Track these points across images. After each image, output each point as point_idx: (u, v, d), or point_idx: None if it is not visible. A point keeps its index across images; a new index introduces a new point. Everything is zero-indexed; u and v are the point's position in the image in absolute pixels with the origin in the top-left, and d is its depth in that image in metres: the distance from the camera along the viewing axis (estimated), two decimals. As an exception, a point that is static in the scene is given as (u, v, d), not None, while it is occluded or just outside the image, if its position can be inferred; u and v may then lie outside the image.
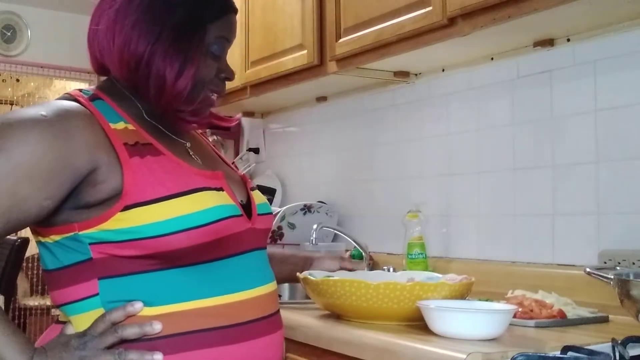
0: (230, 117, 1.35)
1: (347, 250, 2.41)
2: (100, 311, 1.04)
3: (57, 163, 1.00)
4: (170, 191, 1.04)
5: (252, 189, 1.25)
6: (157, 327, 1.01)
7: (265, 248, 1.21)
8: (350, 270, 1.58)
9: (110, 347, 1.01)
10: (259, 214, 1.18)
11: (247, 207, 1.18)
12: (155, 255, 1.03)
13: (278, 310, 1.19)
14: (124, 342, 1.02)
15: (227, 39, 1.16)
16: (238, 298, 1.09)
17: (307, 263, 1.57)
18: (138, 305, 1.02)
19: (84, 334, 1.02)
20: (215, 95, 1.18)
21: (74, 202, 1.04)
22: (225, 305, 1.07)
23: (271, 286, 1.17)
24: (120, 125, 1.09)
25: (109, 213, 1.02)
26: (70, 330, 1.05)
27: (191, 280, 1.05)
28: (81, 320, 1.05)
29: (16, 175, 0.97)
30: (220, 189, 1.11)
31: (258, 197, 1.23)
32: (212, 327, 1.05)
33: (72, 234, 1.04)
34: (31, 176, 0.98)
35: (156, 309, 1.03)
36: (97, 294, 1.04)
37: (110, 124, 1.07)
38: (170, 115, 1.13)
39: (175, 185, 1.05)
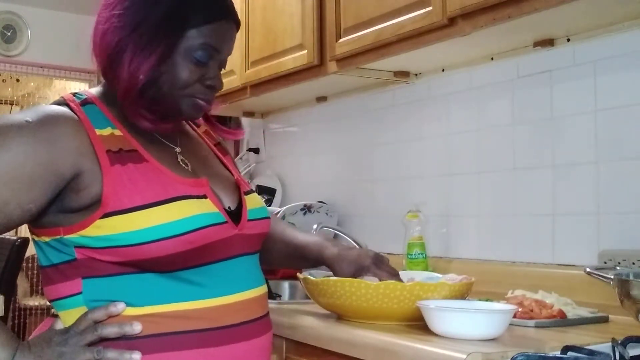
0: (236, 129, 1.35)
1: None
2: (83, 309, 1.06)
3: (39, 169, 1.01)
4: (148, 200, 1.05)
5: (248, 192, 1.24)
6: (137, 328, 1.04)
7: (256, 253, 1.21)
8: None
9: (90, 345, 1.03)
10: (249, 220, 1.18)
11: (237, 212, 1.17)
12: (133, 262, 1.05)
13: (267, 314, 1.20)
14: (104, 341, 1.04)
15: (215, 47, 1.14)
16: (219, 302, 1.09)
17: (320, 261, 1.46)
18: (120, 305, 1.04)
19: (66, 330, 1.05)
20: (203, 102, 1.16)
21: (59, 206, 1.06)
22: (206, 309, 1.08)
23: (258, 290, 1.17)
24: (107, 131, 1.09)
25: (90, 220, 1.04)
26: (59, 325, 1.08)
27: (172, 284, 1.07)
28: (67, 317, 1.08)
29: None
30: (203, 197, 1.11)
31: (252, 202, 1.22)
32: (192, 330, 1.06)
33: (58, 237, 1.06)
34: (13, 181, 1.00)
35: (136, 310, 1.05)
36: (81, 293, 1.06)
37: (96, 130, 1.08)
38: (129, 112, 1.11)
39: (154, 194, 1.06)
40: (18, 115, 1.05)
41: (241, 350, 1.11)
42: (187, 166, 1.17)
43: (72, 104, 1.10)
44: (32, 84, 6.26)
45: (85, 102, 1.12)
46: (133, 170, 1.07)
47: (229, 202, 1.18)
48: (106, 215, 1.03)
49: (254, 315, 1.15)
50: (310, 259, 1.46)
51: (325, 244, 1.45)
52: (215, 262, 1.10)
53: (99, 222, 1.03)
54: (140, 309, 1.05)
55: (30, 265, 5.62)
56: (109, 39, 1.10)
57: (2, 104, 6.69)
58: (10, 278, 3.72)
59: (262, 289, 1.19)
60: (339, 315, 1.51)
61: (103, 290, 1.06)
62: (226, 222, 1.12)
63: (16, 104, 6.63)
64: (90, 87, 4.82)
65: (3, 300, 3.19)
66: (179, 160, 1.16)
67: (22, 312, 5.38)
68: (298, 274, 1.56)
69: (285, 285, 2.36)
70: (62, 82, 5.51)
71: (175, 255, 1.05)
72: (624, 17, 1.63)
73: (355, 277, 1.39)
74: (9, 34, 4.62)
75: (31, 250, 4.27)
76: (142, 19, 1.09)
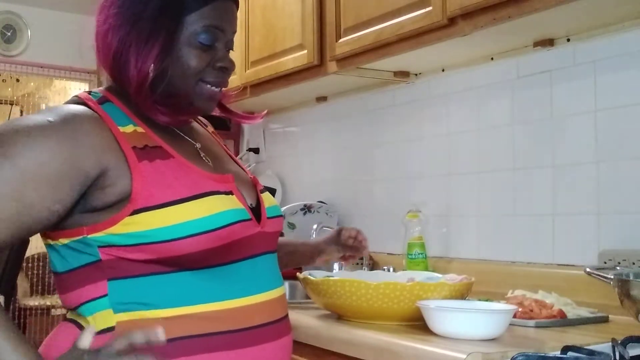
0: (252, 113, 1.34)
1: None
2: (109, 312, 1.03)
3: (64, 168, 0.99)
4: (179, 195, 1.03)
5: (262, 191, 1.24)
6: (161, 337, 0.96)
7: (275, 251, 1.20)
8: (348, 259, 1.57)
9: None
10: (268, 217, 1.17)
11: (256, 210, 1.17)
12: (163, 259, 1.03)
13: (287, 315, 1.18)
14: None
15: (219, 27, 1.12)
16: (246, 302, 1.08)
17: (316, 253, 1.54)
18: (160, 333, 0.94)
19: (98, 350, 0.96)
20: (215, 87, 1.14)
21: (83, 205, 1.03)
22: (233, 310, 1.06)
23: (280, 290, 1.16)
24: (129, 128, 1.08)
25: (117, 217, 1.02)
26: (85, 341, 0.97)
27: (200, 284, 1.05)
28: (91, 321, 1.04)
29: (22, 181, 0.97)
30: (229, 193, 1.10)
31: (268, 200, 1.22)
32: (219, 332, 1.04)
33: (80, 237, 1.03)
34: (38, 182, 0.98)
35: (164, 312, 1.03)
36: (106, 295, 1.03)
37: (119, 127, 1.06)
38: (144, 108, 1.10)
39: (184, 189, 1.04)
40: (39, 116, 1.03)
41: (268, 351, 1.09)
42: (209, 162, 1.16)
43: (90, 103, 1.08)
44: (32, 84, 6.25)
45: (104, 100, 1.10)
46: (161, 166, 1.06)
47: (250, 199, 1.17)
48: (136, 211, 1.01)
49: (278, 315, 1.14)
50: (307, 252, 1.54)
51: (321, 241, 1.57)
52: (240, 260, 1.09)
53: (128, 219, 1.01)
54: (166, 310, 1.03)
55: (30, 265, 5.62)
56: (110, 40, 1.09)
57: (2, 104, 6.69)
58: (10, 278, 3.71)
59: (283, 289, 1.18)
60: (339, 315, 1.51)
61: (130, 292, 1.03)
62: (250, 219, 1.12)
63: (16, 104, 6.62)
64: (90, 87, 4.83)
65: (3, 300, 3.18)
66: (202, 156, 1.16)
67: (22, 312, 5.38)
68: (298, 274, 1.56)
69: (285, 285, 2.35)
70: (62, 82, 5.50)
71: (205, 251, 1.03)
72: (624, 17, 1.63)
73: (338, 234, 1.53)
74: (9, 34, 4.61)
75: (31, 250, 4.27)
76: (139, 13, 1.08)
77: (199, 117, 1.31)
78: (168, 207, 1.02)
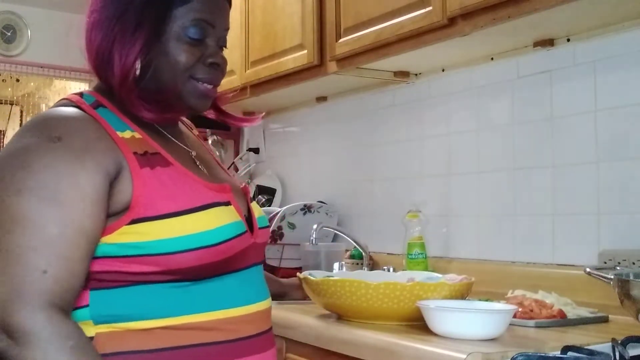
0: (252, 113, 1.29)
1: (347, 250, 2.41)
2: (88, 323, 0.99)
3: (93, 180, 0.97)
4: (181, 207, 1.00)
5: (251, 199, 1.22)
6: None
7: (262, 263, 1.18)
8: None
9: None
10: (259, 228, 1.15)
11: (248, 220, 1.14)
12: (160, 271, 0.99)
13: (271, 328, 1.16)
14: (121, 354, 0.98)
15: (208, 22, 1.08)
16: (235, 313, 1.06)
17: (282, 293, 1.60)
18: None
19: None
20: (207, 84, 1.10)
21: None
22: (221, 321, 1.04)
23: (267, 303, 1.14)
24: (127, 133, 1.04)
25: (114, 226, 0.98)
26: None
27: (188, 295, 1.02)
28: None
29: (73, 214, 0.95)
30: (227, 203, 1.08)
31: (257, 210, 1.19)
32: (207, 342, 1.02)
33: None
34: (79, 205, 0.95)
35: (146, 323, 0.99)
36: (87, 306, 0.99)
37: (118, 133, 1.03)
38: (129, 103, 1.05)
39: (186, 200, 1.01)
40: (38, 138, 0.98)
41: None
42: (204, 170, 1.13)
43: (83, 107, 1.04)
44: (32, 84, 6.26)
45: (97, 105, 1.06)
46: (162, 174, 1.02)
47: (243, 209, 1.14)
48: (135, 221, 0.97)
49: (262, 328, 1.11)
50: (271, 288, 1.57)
51: (287, 283, 1.63)
52: (232, 272, 1.06)
53: (125, 228, 0.98)
54: (151, 322, 0.99)
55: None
56: (95, 36, 1.06)
57: (2, 104, 6.69)
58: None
59: (269, 302, 1.16)
60: (339, 315, 1.51)
61: (112, 303, 0.99)
62: (246, 231, 1.09)
63: (16, 104, 6.63)
64: (90, 87, 4.82)
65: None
66: (197, 163, 1.13)
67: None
68: (298, 274, 1.56)
69: (285, 285, 2.35)
70: (62, 82, 5.51)
71: (205, 265, 1.01)
72: (624, 17, 1.63)
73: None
74: (9, 34, 4.61)
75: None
76: (125, 6, 1.05)
77: (184, 119, 1.28)
78: (170, 218, 0.99)
